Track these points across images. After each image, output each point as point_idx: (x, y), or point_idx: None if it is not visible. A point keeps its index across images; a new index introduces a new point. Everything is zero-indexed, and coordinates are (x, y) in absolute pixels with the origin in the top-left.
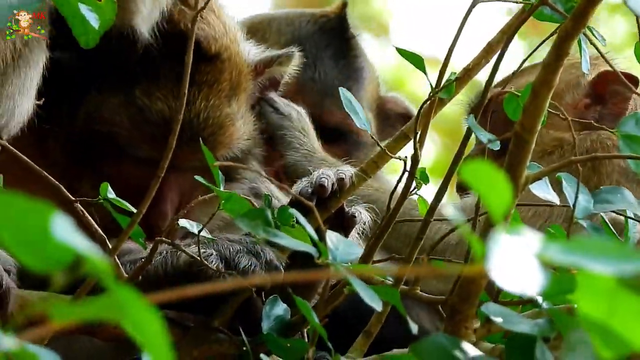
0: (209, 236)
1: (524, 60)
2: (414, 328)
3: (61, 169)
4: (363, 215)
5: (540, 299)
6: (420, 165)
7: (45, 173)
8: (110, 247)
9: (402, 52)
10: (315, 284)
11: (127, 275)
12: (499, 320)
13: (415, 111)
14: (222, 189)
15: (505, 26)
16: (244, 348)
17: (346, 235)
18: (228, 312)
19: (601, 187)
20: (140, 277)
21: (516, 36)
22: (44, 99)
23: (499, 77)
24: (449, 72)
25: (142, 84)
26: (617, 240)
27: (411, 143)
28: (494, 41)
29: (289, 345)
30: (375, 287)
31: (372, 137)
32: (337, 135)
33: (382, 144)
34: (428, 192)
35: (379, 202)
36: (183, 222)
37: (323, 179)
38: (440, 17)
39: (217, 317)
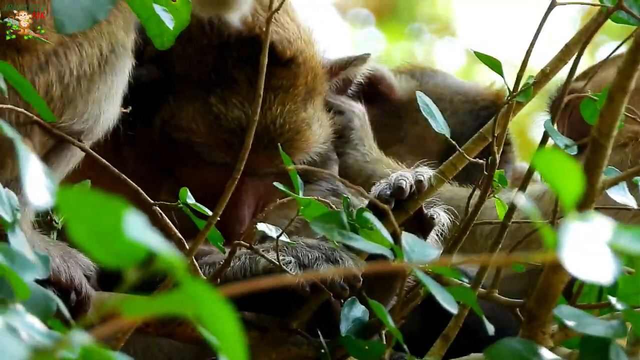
0: (288, 240)
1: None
2: (491, 329)
3: (138, 177)
4: (442, 217)
5: (614, 301)
6: None
7: (125, 177)
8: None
9: (480, 55)
10: (392, 287)
11: (205, 278)
12: (571, 323)
13: None
14: (300, 194)
15: (582, 29)
16: (322, 350)
17: (425, 237)
18: (306, 315)
19: None
20: (218, 281)
21: None
22: (130, 107)
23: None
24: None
25: (217, 91)
26: None
27: None
28: (571, 43)
29: (366, 347)
30: (451, 288)
31: (450, 141)
32: None
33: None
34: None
35: (456, 202)
36: (261, 226)
37: (401, 180)
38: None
39: (295, 319)
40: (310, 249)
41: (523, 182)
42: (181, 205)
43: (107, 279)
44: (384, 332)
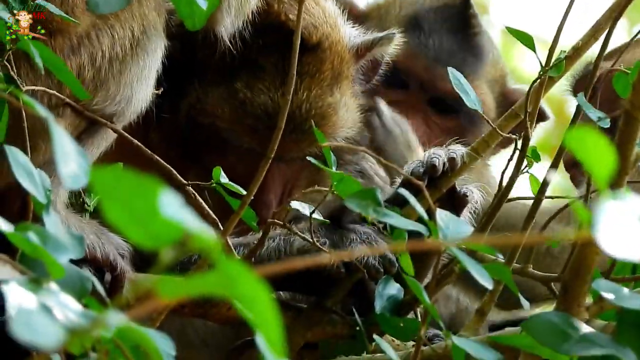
0: (321, 219)
1: (633, 38)
2: (526, 305)
3: (166, 161)
4: (475, 194)
5: None
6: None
7: (157, 157)
8: (222, 228)
9: (512, 31)
10: (427, 264)
11: (239, 258)
12: (610, 296)
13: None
14: (334, 169)
15: (614, 5)
16: (357, 328)
17: (458, 214)
18: (340, 294)
19: None
20: (252, 261)
21: None
22: (162, 89)
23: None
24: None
25: (242, 76)
26: None
27: None
28: (602, 20)
29: (401, 324)
30: (487, 265)
31: (483, 116)
32: (450, 106)
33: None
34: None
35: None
36: (295, 204)
37: (434, 158)
38: None
39: (330, 299)
40: (344, 230)
41: (555, 158)
42: (215, 184)
43: (141, 262)
44: (418, 309)
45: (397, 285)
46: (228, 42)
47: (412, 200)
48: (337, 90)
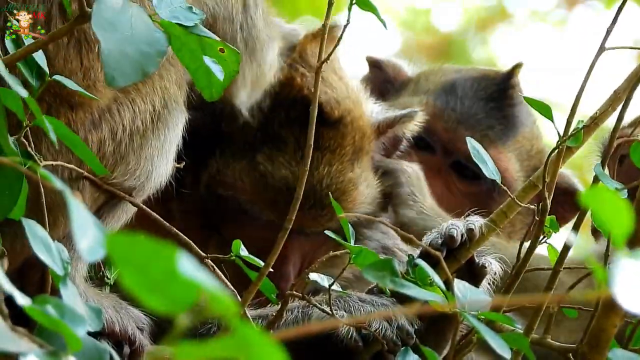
0: (341, 290)
1: None
2: None
3: (185, 232)
4: (493, 265)
5: None
6: None
7: (176, 230)
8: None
9: (529, 100)
10: (445, 335)
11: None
12: None
13: (580, 187)
14: (352, 243)
15: (632, 74)
16: None
17: (477, 285)
18: None
19: None
20: (271, 332)
21: None
22: (183, 163)
23: (625, 121)
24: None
25: (264, 149)
26: None
27: None
28: (621, 89)
29: None
30: (505, 334)
31: (502, 187)
32: (473, 172)
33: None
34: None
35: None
36: (314, 276)
37: (452, 229)
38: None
39: None
40: (362, 303)
41: (576, 222)
42: (234, 257)
43: (159, 333)
44: None
45: (416, 356)
46: (247, 114)
47: (430, 270)
48: (357, 166)
